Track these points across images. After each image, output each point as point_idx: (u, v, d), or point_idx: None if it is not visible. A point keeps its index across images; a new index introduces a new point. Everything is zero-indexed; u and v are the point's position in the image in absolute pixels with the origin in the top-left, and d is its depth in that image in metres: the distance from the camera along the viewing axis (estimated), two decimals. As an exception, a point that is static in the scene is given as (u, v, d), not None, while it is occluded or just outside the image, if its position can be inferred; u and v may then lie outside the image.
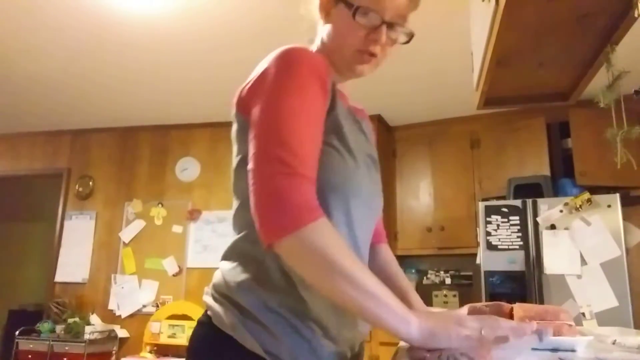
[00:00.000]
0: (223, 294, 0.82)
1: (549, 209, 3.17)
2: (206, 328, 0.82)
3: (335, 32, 0.90)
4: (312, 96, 0.79)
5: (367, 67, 0.90)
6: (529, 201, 3.23)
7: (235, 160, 0.87)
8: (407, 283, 1.04)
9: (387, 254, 1.08)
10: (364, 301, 0.67)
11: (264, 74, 0.81)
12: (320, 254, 0.68)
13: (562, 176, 3.46)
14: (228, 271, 0.83)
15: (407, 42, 0.91)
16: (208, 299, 0.86)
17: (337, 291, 0.68)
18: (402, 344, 0.98)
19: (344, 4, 0.86)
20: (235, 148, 0.87)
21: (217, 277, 0.87)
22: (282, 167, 0.71)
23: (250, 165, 0.75)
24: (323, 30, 0.93)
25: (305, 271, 0.71)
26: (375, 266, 1.03)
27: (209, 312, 0.84)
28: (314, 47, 0.95)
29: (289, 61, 0.79)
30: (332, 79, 0.85)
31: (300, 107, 0.76)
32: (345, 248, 0.71)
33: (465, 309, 0.98)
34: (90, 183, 4.77)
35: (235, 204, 0.88)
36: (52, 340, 3.99)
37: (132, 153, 4.75)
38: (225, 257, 0.87)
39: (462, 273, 4.06)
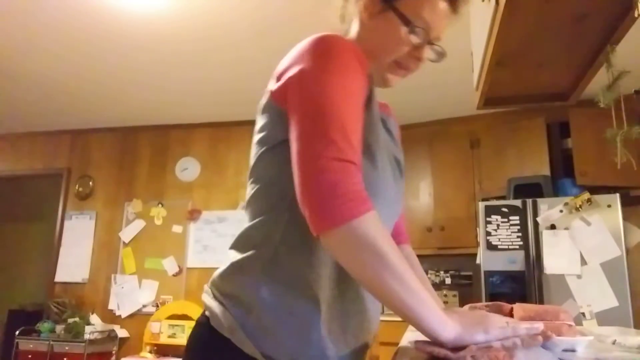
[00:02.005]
0: (224, 292, 0.80)
1: (549, 209, 3.17)
2: (204, 329, 0.79)
3: (378, 39, 0.87)
4: (357, 78, 0.77)
5: (396, 79, 0.90)
6: (529, 201, 3.23)
7: (259, 148, 0.83)
8: (431, 287, 1.01)
9: (410, 257, 1.06)
10: (406, 297, 0.67)
11: (301, 60, 0.77)
12: (372, 245, 0.67)
13: (562, 176, 3.46)
14: (236, 262, 0.80)
15: (436, 60, 0.90)
16: (207, 299, 0.83)
17: (382, 284, 0.67)
18: (402, 343, 0.98)
19: (400, 19, 0.84)
20: (261, 136, 0.83)
21: (219, 272, 0.84)
22: (338, 153, 0.69)
23: (297, 147, 0.72)
24: (361, 30, 0.90)
25: (354, 262, 0.69)
26: None
27: (207, 313, 0.81)
28: None
29: (328, 45, 0.77)
30: (369, 70, 0.83)
31: (347, 89, 0.74)
32: (393, 243, 0.70)
33: (465, 309, 0.97)
34: (90, 183, 4.77)
35: (251, 188, 0.84)
36: (52, 340, 3.99)
37: (132, 153, 4.75)
38: (235, 246, 0.83)
39: (462, 273, 4.05)
